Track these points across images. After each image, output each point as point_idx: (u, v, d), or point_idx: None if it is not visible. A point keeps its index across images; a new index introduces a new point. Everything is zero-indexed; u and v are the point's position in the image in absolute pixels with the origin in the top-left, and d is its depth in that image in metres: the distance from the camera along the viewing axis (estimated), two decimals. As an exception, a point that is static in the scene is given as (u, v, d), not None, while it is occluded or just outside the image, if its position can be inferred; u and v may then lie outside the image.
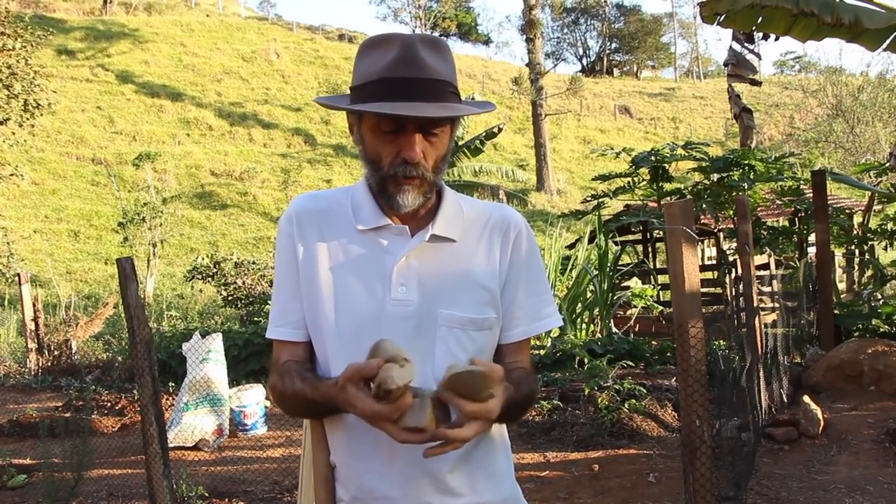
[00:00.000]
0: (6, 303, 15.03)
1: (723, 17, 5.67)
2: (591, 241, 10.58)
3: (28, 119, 15.36)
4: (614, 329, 9.03)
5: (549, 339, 8.29)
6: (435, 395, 1.21)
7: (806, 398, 5.32)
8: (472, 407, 1.20)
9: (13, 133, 15.56)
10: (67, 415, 6.91)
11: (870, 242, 11.28)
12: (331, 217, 1.42)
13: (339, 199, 1.45)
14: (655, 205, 10.90)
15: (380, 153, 1.35)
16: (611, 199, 11.10)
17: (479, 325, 1.38)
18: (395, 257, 1.37)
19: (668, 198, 10.69)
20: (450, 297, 1.36)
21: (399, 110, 1.27)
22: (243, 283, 12.62)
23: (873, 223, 11.77)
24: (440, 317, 1.35)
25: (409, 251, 1.37)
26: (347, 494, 1.40)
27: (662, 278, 11.88)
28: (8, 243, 16.60)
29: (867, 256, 11.39)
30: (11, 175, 16.27)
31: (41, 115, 16.07)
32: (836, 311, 7.49)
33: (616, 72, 60.11)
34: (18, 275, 10.84)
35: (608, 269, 9.14)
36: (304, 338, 1.43)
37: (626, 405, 5.76)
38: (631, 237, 13.85)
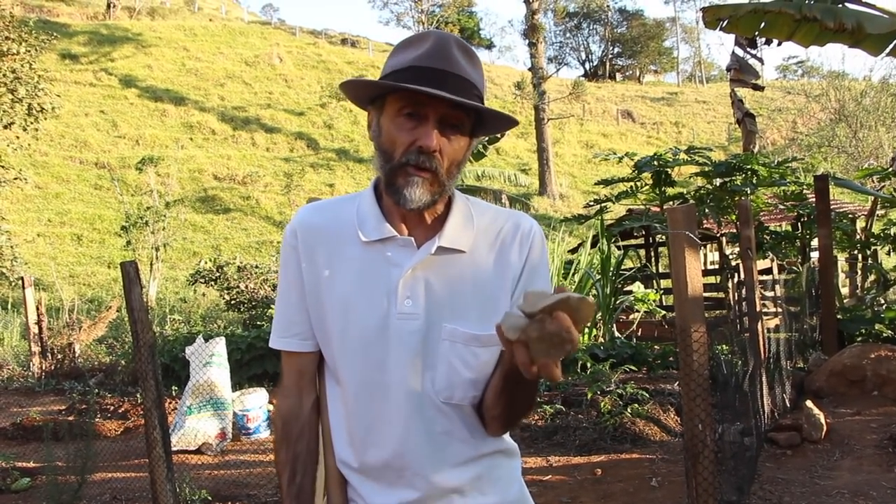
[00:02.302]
0: (10, 306, 15.06)
1: (725, 22, 5.68)
2: (593, 245, 10.59)
3: (32, 123, 15.42)
4: (617, 333, 9.03)
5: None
6: (544, 315, 1.06)
7: (809, 403, 5.31)
8: (578, 335, 1.06)
9: (17, 137, 15.62)
10: (71, 418, 6.93)
11: (873, 247, 11.29)
12: (335, 229, 1.40)
13: (344, 209, 1.42)
14: (658, 209, 10.88)
15: (395, 141, 1.31)
16: (613, 203, 11.09)
17: (484, 342, 1.33)
18: (402, 270, 1.34)
19: (671, 202, 10.69)
20: (455, 311, 1.32)
21: (426, 88, 1.26)
22: (246, 287, 12.63)
23: (876, 228, 11.77)
24: (443, 331, 1.33)
25: (415, 263, 1.34)
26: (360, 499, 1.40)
27: (665, 283, 11.87)
28: (12, 247, 16.64)
29: (870, 261, 11.39)
30: (15, 179, 16.33)
31: (45, 119, 16.13)
32: (838, 316, 7.48)
33: (619, 76, 60.13)
34: (22, 278, 10.88)
35: (611, 274, 9.14)
36: (311, 348, 1.42)
37: (628, 409, 5.76)
38: (633, 242, 13.83)
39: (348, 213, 1.41)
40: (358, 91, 1.40)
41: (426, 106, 1.29)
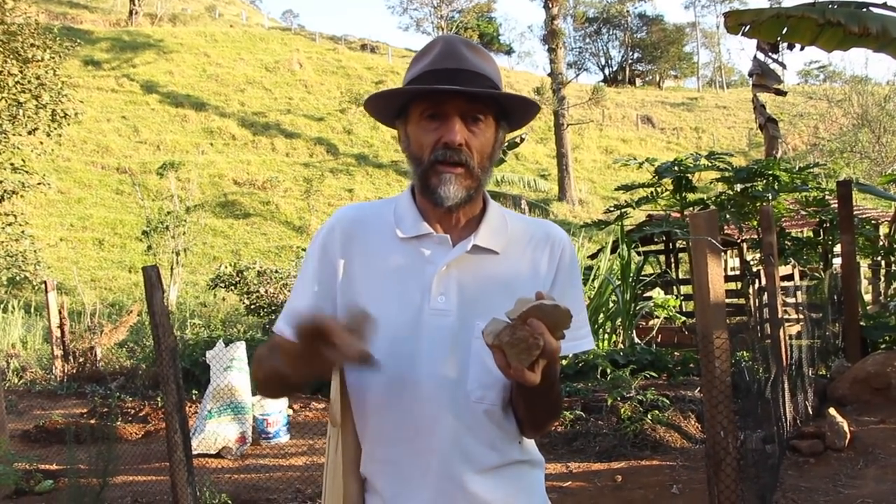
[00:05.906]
0: (33, 310, 15.21)
1: (748, 27, 5.66)
2: (613, 251, 10.54)
3: (55, 129, 15.55)
4: (637, 340, 8.98)
5: (571, 350, 8.26)
6: (516, 321, 1.14)
7: (832, 411, 5.26)
8: (554, 341, 1.15)
9: (41, 143, 15.75)
10: (92, 421, 6.98)
11: (896, 253, 11.14)
12: (373, 224, 1.43)
13: (383, 209, 1.46)
14: (678, 215, 10.82)
15: (422, 143, 1.36)
16: (633, 209, 11.03)
17: None
18: (436, 266, 1.37)
19: (692, 208, 10.62)
20: (487, 310, 1.30)
21: (438, 86, 1.32)
22: (266, 291, 12.69)
23: (900, 234, 11.63)
24: (476, 328, 1.32)
25: (449, 260, 1.37)
26: None
27: (685, 289, 11.81)
28: (35, 251, 16.79)
29: (893, 267, 11.25)
30: (39, 184, 16.44)
31: (68, 124, 16.25)
32: (862, 323, 7.40)
33: (638, 81, 59.96)
34: (45, 282, 10.98)
35: (631, 280, 9.10)
36: None
37: (649, 416, 5.73)
38: (653, 247, 13.78)
39: (386, 211, 1.45)
40: (380, 107, 1.44)
41: (445, 104, 1.34)
